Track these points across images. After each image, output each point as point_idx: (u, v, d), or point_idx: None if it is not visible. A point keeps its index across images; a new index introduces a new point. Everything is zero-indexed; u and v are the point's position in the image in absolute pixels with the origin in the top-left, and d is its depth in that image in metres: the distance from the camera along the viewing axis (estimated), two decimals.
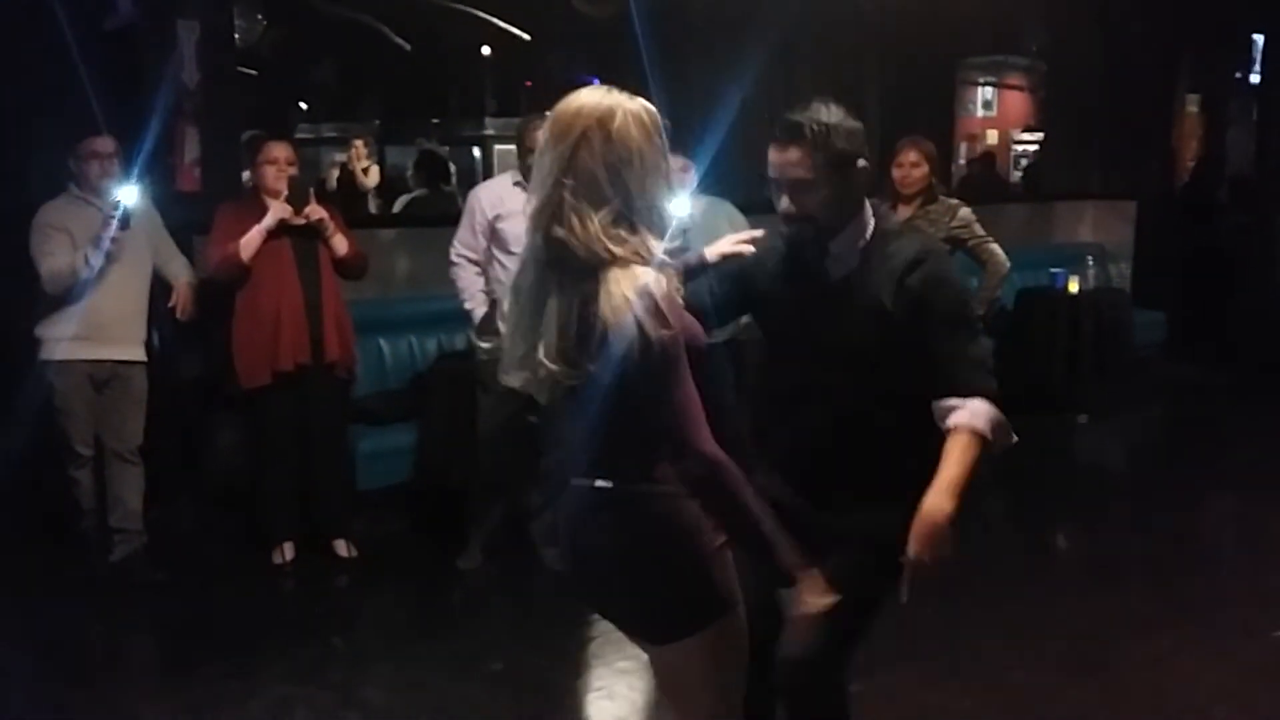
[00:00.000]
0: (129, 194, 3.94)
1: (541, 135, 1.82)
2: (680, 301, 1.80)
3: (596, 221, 1.73)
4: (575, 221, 1.73)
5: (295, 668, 3.49)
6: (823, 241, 2.18)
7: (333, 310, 4.22)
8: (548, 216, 1.77)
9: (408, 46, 10.31)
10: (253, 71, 8.45)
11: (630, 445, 1.84)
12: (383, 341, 5.17)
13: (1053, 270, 6.70)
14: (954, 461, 2.08)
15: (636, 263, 1.73)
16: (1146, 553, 4.63)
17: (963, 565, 4.38)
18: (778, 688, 2.25)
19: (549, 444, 2.01)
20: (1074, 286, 6.56)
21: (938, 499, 2.07)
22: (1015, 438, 2.16)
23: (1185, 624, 3.78)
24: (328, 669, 3.50)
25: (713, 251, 2.34)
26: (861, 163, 2.16)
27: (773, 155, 2.16)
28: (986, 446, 2.11)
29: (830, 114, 2.14)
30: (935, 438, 2.13)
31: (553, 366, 1.76)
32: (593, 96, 1.79)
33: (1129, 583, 4.19)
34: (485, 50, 12.46)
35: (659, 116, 1.83)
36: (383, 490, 4.77)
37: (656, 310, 1.70)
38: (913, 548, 2.07)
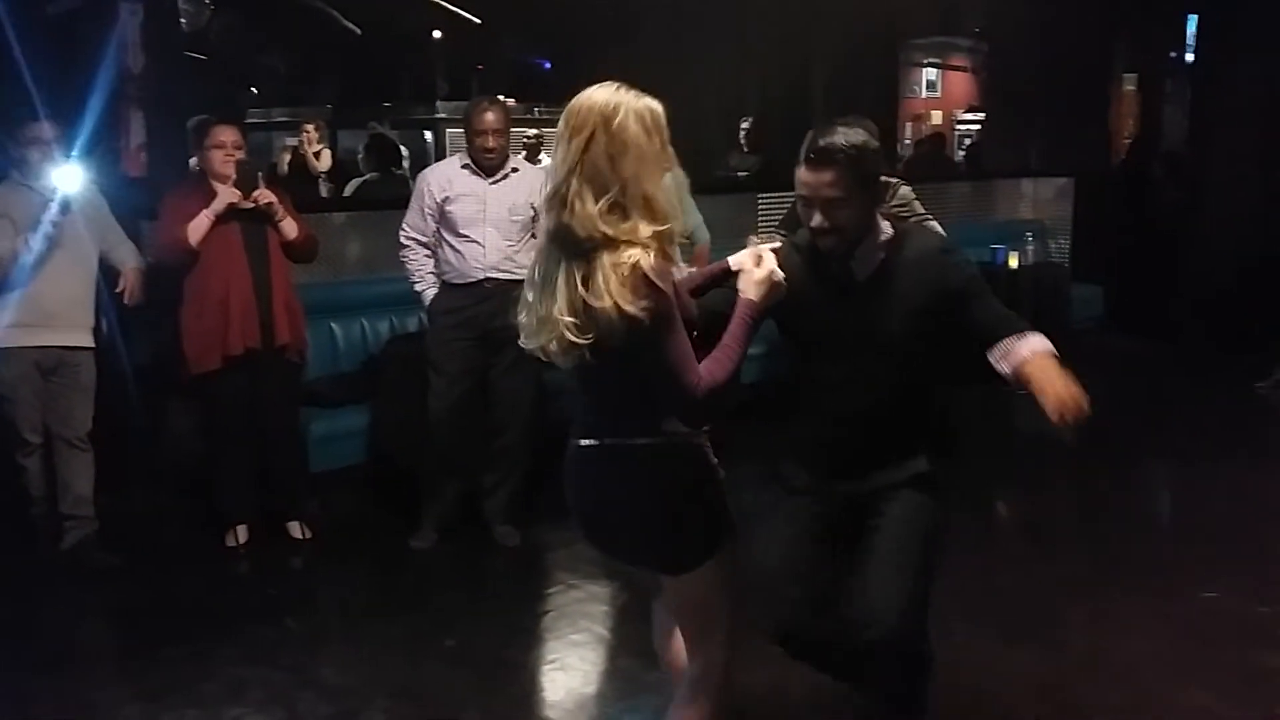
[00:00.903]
0: (70, 179, 3.92)
1: (559, 127, 2.06)
2: (674, 275, 2.06)
3: (595, 206, 1.98)
4: (578, 205, 1.99)
5: (250, 650, 3.52)
6: (850, 249, 2.44)
7: (282, 294, 4.23)
8: (558, 202, 2.03)
9: (358, 31, 10.26)
10: (201, 56, 8.38)
11: (638, 402, 2.11)
12: (334, 324, 5.19)
13: (994, 246, 6.85)
14: (1053, 371, 2.35)
15: (627, 244, 1.98)
16: (1084, 519, 4.79)
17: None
18: (870, 647, 2.44)
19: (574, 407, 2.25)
20: (1014, 262, 6.71)
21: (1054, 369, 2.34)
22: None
23: (1120, 587, 3.91)
24: (282, 650, 3.54)
25: (735, 261, 2.38)
26: (882, 178, 2.46)
27: (807, 176, 2.38)
28: (1058, 358, 2.38)
29: (857, 136, 2.36)
30: (939, 400, 2.57)
31: (565, 331, 2.02)
32: (602, 94, 2.04)
33: (1067, 548, 4.32)
34: (436, 34, 12.41)
35: (662, 115, 2.06)
36: (336, 472, 4.81)
37: (641, 283, 1.96)
38: (1058, 413, 2.32)
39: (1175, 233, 7.95)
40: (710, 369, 2.07)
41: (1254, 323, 6.99)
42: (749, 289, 2.22)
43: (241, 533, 4.34)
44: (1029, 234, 7.15)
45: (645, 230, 2.00)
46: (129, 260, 4.23)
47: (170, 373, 4.38)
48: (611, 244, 1.99)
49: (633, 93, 2.06)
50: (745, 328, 2.17)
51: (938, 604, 3.72)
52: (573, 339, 2.02)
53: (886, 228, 2.49)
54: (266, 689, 3.28)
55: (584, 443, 2.20)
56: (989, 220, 8.09)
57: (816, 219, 2.39)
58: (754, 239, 2.53)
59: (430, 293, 4.22)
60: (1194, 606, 3.77)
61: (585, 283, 1.99)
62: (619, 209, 2.00)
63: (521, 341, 2.15)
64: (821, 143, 2.35)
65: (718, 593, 2.24)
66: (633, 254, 1.97)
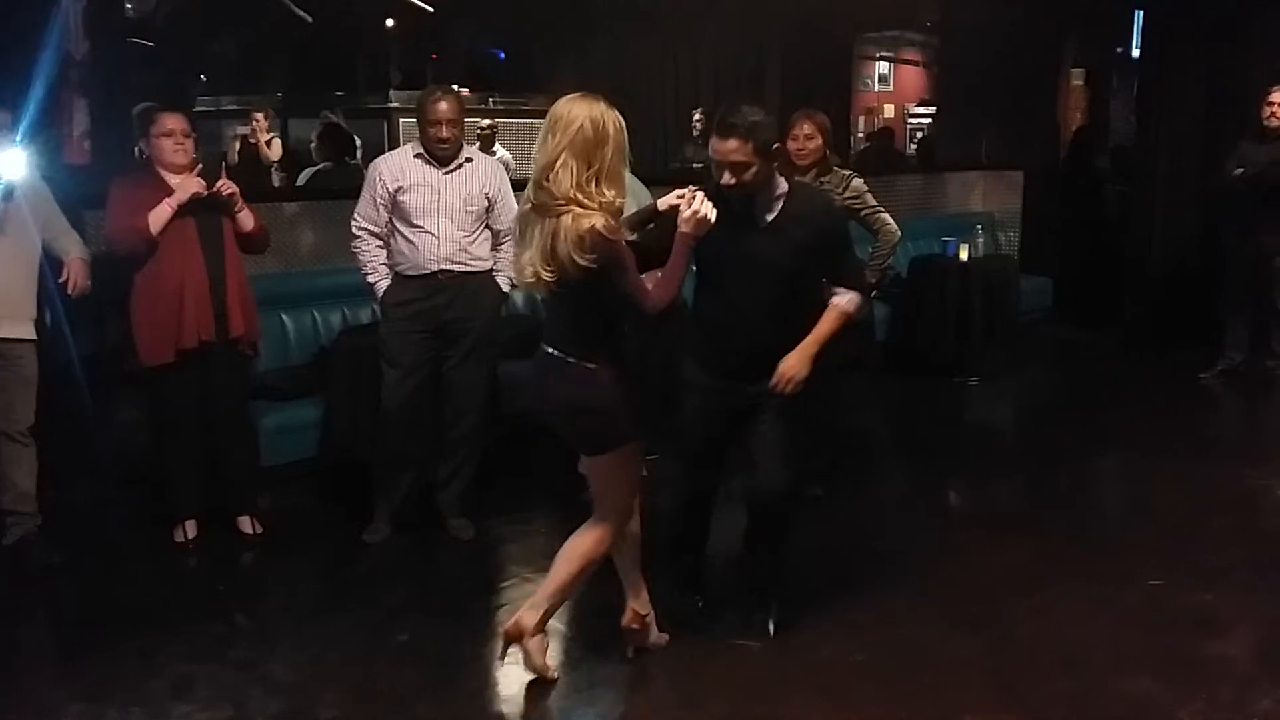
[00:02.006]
0: (13, 166, 3.83)
1: (548, 124, 2.83)
2: (625, 234, 2.91)
3: (575, 176, 2.76)
4: (562, 172, 2.77)
5: (197, 646, 3.47)
6: (753, 200, 3.17)
7: (236, 286, 4.17)
8: (543, 171, 2.79)
9: (309, 18, 10.13)
10: (148, 42, 8.22)
11: (580, 332, 2.97)
12: (286, 316, 5.14)
13: (944, 239, 6.94)
14: (828, 325, 3.27)
15: (593, 208, 2.76)
16: (1030, 509, 4.85)
17: (859, 524, 4.57)
18: (753, 510, 3.43)
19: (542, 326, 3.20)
20: (964, 254, 6.79)
21: (804, 351, 3.24)
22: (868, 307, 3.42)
23: (1067, 576, 3.97)
24: (231, 646, 3.49)
25: (663, 203, 3.12)
26: (776, 145, 3.19)
27: (717, 144, 3.13)
28: (848, 319, 3.29)
29: (754, 113, 3.10)
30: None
31: (539, 269, 2.84)
32: (587, 101, 2.83)
33: (1015, 538, 4.37)
34: (389, 22, 12.29)
35: (618, 115, 2.85)
36: (288, 466, 4.76)
37: (592, 241, 2.75)
38: (782, 375, 3.22)
39: (1122, 225, 8.07)
40: (657, 292, 2.89)
41: (1197, 313, 7.12)
42: (684, 225, 2.94)
43: (190, 528, 4.28)
44: (979, 226, 7.24)
45: (609, 197, 2.78)
46: (72, 250, 4.14)
47: (117, 365, 4.30)
48: (576, 207, 2.75)
49: (604, 103, 2.84)
50: (681, 255, 2.96)
51: (888, 592, 3.81)
52: (543, 278, 2.84)
53: (783, 184, 3.23)
54: (214, 686, 3.24)
55: (548, 350, 3.01)
56: (940, 213, 8.18)
57: (725, 177, 3.11)
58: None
59: (383, 284, 4.18)
60: (1139, 594, 3.83)
61: (552, 237, 2.78)
62: (595, 180, 2.78)
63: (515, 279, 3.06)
64: (729, 119, 3.08)
65: (620, 472, 3.09)
66: (588, 220, 2.74)
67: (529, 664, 3.24)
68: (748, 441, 3.34)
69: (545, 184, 2.79)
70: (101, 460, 4.74)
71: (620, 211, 2.88)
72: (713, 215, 2.95)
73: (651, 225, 3.17)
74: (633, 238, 3.05)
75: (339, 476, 4.72)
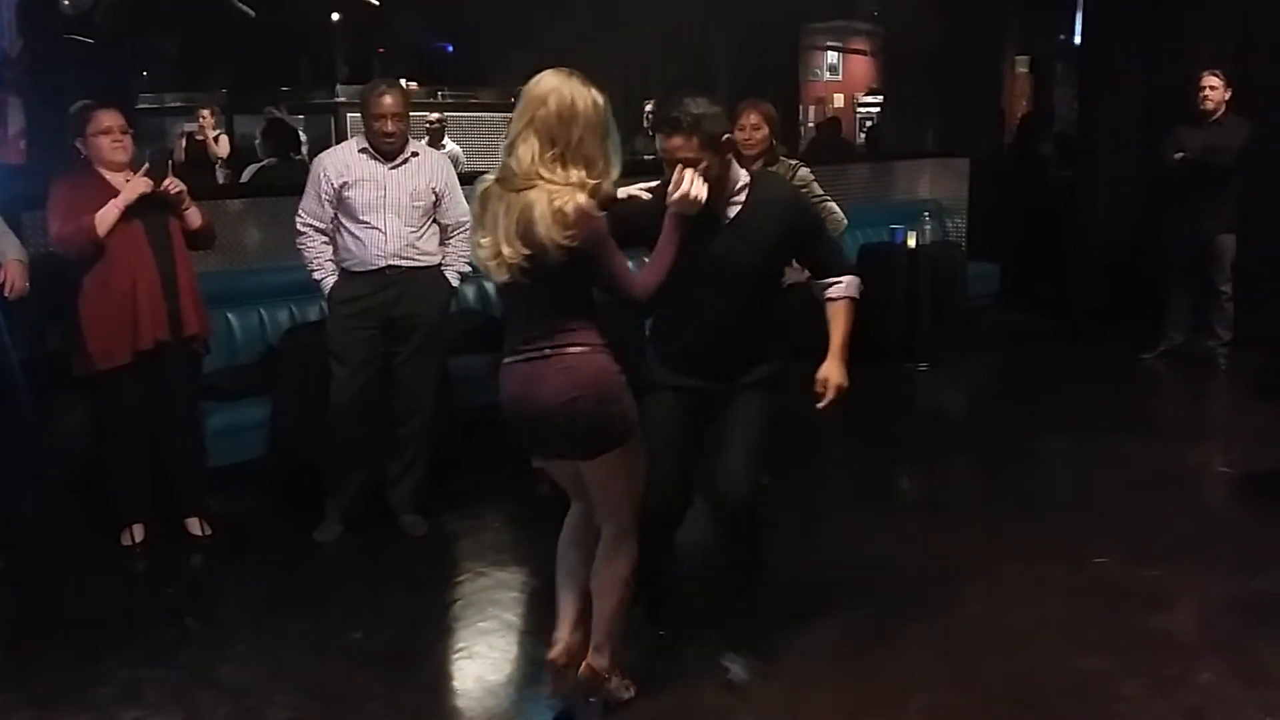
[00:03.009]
0: None
1: (521, 100, 2.62)
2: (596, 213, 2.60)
3: (537, 153, 2.55)
4: (521, 148, 2.57)
5: (146, 650, 3.42)
6: (711, 194, 2.86)
7: (188, 283, 4.11)
8: (510, 148, 2.60)
9: (252, 13, 10.00)
10: (87, 39, 8.08)
11: (564, 318, 2.67)
12: (231, 315, 5.08)
13: (892, 226, 6.99)
14: (843, 323, 3.12)
15: (560, 185, 2.54)
16: (977, 492, 4.92)
17: (809, 509, 4.60)
18: (718, 507, 3.14)
19: (505, 327, 2.86)
20: (912, 241, 6.86)
21: (838, 356, 3.11)
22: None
23: (1015, 556, 4.02)
24: (180, 650, 3.45)
25: (622, 192, 2.90)
26: (726, 136, 2.93)
27: (662, 142, 2.89)
28: (857, 305, 3.13)
29: (698, 105, 2.85)
30: (781, 317, 3.20)
31: (507, 250, 2.58)
32: (554, 76, 2.62)
33: (963, 521, 4.43)
34: (335, 16, 12.16)
35: (599, 94, 2.62)
36: (236, 466, 4.70)
37: (571, 218, 2.52)
38: (829, 388, 3.10)
39: (1066, 211, 8.19)
40: (646, 275, 2.70)
41: (1140, 296, 7.24)
42: (673, 204, 2.75)
43: (138, 531, 4.22)
44: (926, 214, 7.31)
45: (580, 178, 2.57)
46: (10, 252, 4.05)
47: (59, 368, 4.22)
48: (542, 186, 2.54)
49: (582, 82, 2.62)
50: (672, 236, 2.74)
51: (839, 578, 3.84)
52: (510, 260, 2.58)
53: (744, 176, 3.02)
54: (163, 690, 3.20)
55: (521, 353, 2.71)
56: (887, 200, 8.24)
57: (677, 176, 2.84)
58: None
59: (329, 281, 4.14)
60: (1086, 573, 3.90)
61: (524, 214, 2.54)
62: (561, 160, 2.56)
63: (475, 260, 2.70)
64: (672, 113, 2.84)
65: (629, 472, 2.80)
66: (565, 196, 2.53)
67: (614, 698, 2.97)
68: (714, 447, 3.12)
69: (508, 160, 2.61)
70: (45, 465, 4.65)
71: (598, 191, 2.63)
72: (704, 194, 2.78)
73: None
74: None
75: (288, 476, 4.67)
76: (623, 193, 2.93)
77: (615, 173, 2.68)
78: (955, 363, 7.00)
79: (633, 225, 2.82)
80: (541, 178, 2.55)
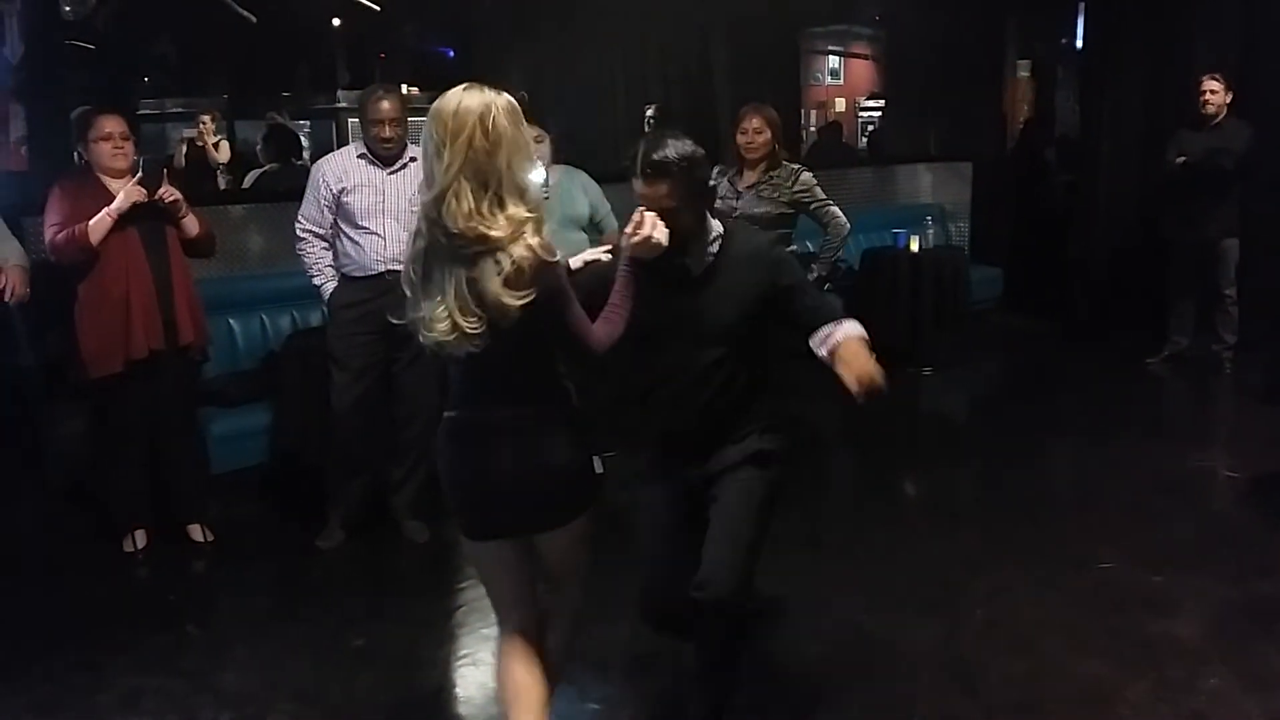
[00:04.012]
0: None
1: (430, 134, 2.20)
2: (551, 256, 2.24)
3: (473, 204, 2.16)
4: (454, 203, 2.16)
5: (147, 658, 3.42)
6: (684, 250, 2.59)
7: (184, 292, 4.10)
8: (435, 204, 2.19)
9: (253, 18, 10.01)
10: (88, 45, 8.09)
11: (527, 382, 2.35)
12: (233, 320, 5.08)
13: (895, 230, 6.99)
14: (859, 351, 2.55)
15: (505, 236, 2.16)
16: (982, 496, 4.90)
17: (811, 515, 4.59)
18: (699, 606, 2.65)
19: (455, 388, 2.48)
20: (915, 245, 6.85)
21: (861, 350, 2.55)
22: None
23: (1019, 561, 4.01)
24: (181, 657, 3.44)
25: (575, 261, 2.64)
26: (711, 183, 2.65)
27: (643, 189, 2.54)
28: (866, 341, 2.59)
29: (686, 148, 2.53)
30: (770, 383, 2.78)
31: (465, 322, 2.20)
32: (471, 96, 2.20)
33: (967, 526, 4.42)
34: (336, 21, 12.17)
35: (519, 108, 2.24)
36: (238, 472, 4.71)
37: (526, 275, 2.17)
38: (865, 382, 2.51)
39: (1068, 215, 8.17)
40: (604, 328, 2.37)
41: (1144, 300, 7.23)
42: (629, 248, 2.47)
43: (140, 537, 4.21)
44: (929, 218, 7.31)
45: (521, 215, 2.19)
46: (11, 258, 4.05)
47: (60, 375, 4.22)
48: (491, 244, 2.17)
49: (492, 91, 2.24)
50: (627, 284, 2.45)
51: (844, 582, 3.83)
52: (468, 330, 2.20)
53: (717, 226, 2.67)
54: (163, 698, 3.19)
55: (475, 414, 2.40)
56: (890, 205, 8.24)
57: (636, 218, 2.53)
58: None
59: (329, 286, 4.14)
60: (1090, 577, 3.88)
61: (471, 283, 2.18)
62: (497, 200, 2.18)
63: (421, 338, 2.29)
64: (655, 156, 2.50)
65: (587, 542, 2.54)
66: (513, 254, 2.17)
67: None
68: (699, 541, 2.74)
69: (440, 219, 2.19)
70: (47, 471, 4.65)
71: (542, 224, 2.27)
72: (665, 239, 2.48)
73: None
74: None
75: (290, 482, 4.66)
76: (575, 262, 2.65)
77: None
78: (958, 367, 6.98)
79: (594, 293, 2.47)
80: (486, 233, 2.17)
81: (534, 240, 2.19)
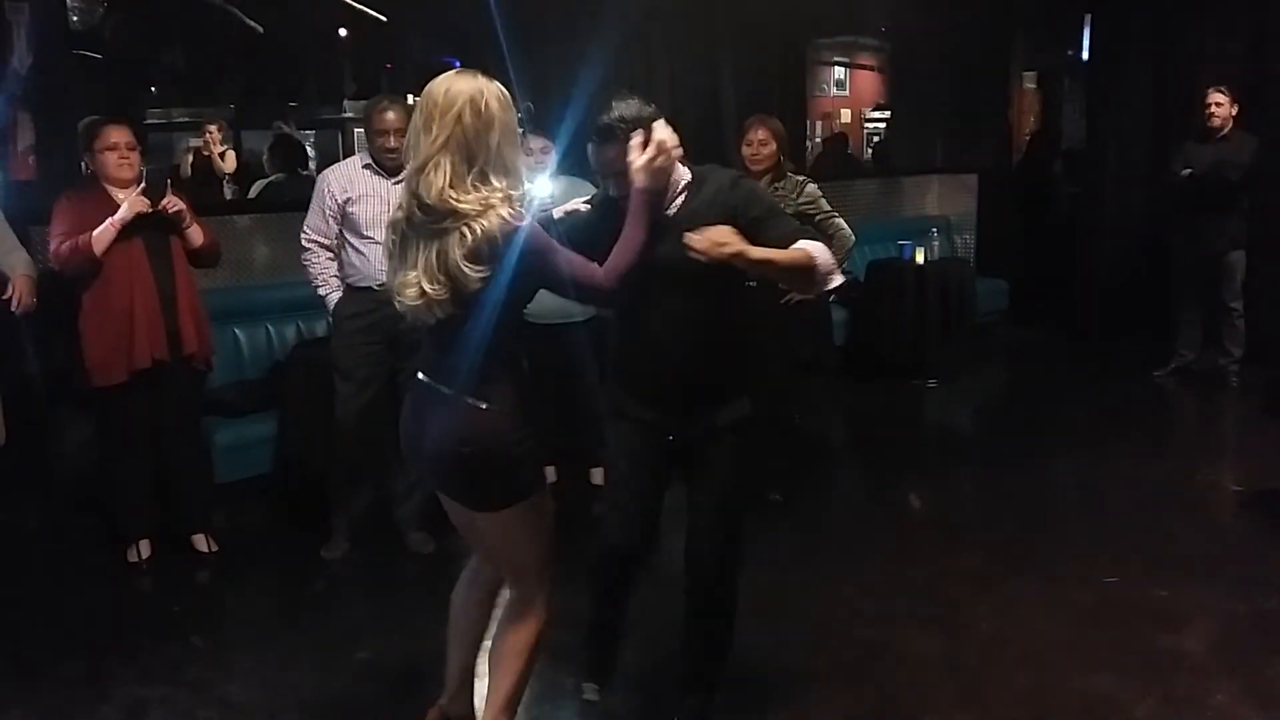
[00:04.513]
0: None
1: (419, 112, 2.28)
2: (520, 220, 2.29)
3: (450, 178, 2.24)
4: (433, 175, 2.24)
5: (152, 668, 3.42)
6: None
7: (188, 302, 4.11)
8: (415, 174, 2.28)
9: (260, 29, 10.04)
10: (96, 55, 8.12)
11: (473, 360, 2.36)
12: (239, 330, 5.09)
13: (901, 242, 6.99)
14: (778, 249, 2.51)
15: (472, 209, 2.24)
16: (988, 509, 4.88)
17: (819, 527, 4.58)
18: (691, 579, 2.81)
19: (422, 350, 2.57)
20: (920, 257, 6.85)
21: (742, 241, 2.45)
22: (836, 282, 2.63)
23: (1024, 575, 4.00)
24: (186, 667, 3.44)
25: (557, 212, 2.74)
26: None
27: (594, 154, 2.58)
28: (809, 272, 2.53)
29: (631, 108, 2.52)
30: (747, 350, 2.83)
31: (427, 288, 2.29)
32: (464, 79, 2.29)
33: (974, 539, 4.40)
34: (342, 32, 12.21)
35: (500, 87, 2.31)
36: (243, 482, 4.71)
37: (487, 247, 2.24)
38: (705, 235, 2.43)
39: (1074, 227, 8.17)
40: (614, 261, 2.41)
41: (1150, 313, 7.22)
42: (638, 176, 2.46)
43: (144, 547, 4.21)
44: (935, 230, 7.32)
45: (501, 192, 2.27)
46: (19, 267, 4.06)
47: (65, 384, 4.23)
48: (460, 218, 2.25)
49: (484, 78, 2.32)
50: (639, 214, 2.46)
51: (849, 595, 3.82)
52: (434, 298, 2.30)
53: (685, 174, 2.65)
54: (168, 708, 3.18)
55: (423, 379, 2.48)
56: (896, 217, 8.24)
57: (614, 188, 2.59)
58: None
59: (334, 296, 4.14)
60: (1095, 592, 3.87)
61: (440, 255, 2.27)
62: (481, 176, 2.27)
63: (396, 304, 2.40)
64: (602, 121, 2.51)
65: (531, 536, 2.54)
66: (478, 226, 2.24)
67: None
68: (689, 503, 2.83)
69: (417, 191, 2.28)
70: (53, 480, 4.66)
71: (522, 199, 2.35)
72: (675, 154, 2.49)
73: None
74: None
75: (295, 492, 4.66)
76: (558, 212, 2.74)
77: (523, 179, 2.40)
78: (964, 379, 6.97)
79: (577, 244, 2.48)
80: (455, 207, 2.25)
81: (503, 210, 2.25)
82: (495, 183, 2.27)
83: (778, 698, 3.19)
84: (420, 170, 2.26)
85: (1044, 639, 3.53)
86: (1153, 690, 3.19)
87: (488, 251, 2.25)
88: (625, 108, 2.51)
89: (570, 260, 2.37)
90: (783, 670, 3.33)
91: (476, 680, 2.85)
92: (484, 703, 2.68)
